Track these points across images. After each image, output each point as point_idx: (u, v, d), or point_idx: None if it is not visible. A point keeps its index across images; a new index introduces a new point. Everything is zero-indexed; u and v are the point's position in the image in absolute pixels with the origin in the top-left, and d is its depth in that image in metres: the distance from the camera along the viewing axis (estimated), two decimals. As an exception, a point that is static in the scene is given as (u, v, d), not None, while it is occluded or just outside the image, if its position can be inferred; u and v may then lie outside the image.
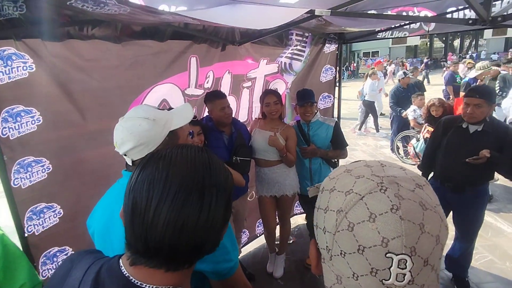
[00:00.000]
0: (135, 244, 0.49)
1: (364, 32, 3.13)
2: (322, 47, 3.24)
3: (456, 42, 35.06)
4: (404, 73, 5.72)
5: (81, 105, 1.74)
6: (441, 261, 0.47)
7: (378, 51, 30.81)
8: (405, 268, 0.39)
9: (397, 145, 5.67)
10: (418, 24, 2.81)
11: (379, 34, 3.05)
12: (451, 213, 2.41)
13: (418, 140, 4.62)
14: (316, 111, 2.53)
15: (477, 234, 2.36)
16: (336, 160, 2.74)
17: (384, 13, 1.91)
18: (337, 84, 3.55)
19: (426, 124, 4.48)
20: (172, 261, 0.50)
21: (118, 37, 1.78)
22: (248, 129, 2.60)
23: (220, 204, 0.50)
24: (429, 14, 2.56)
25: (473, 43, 33.08)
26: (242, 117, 2.82)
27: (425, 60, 22.80)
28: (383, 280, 0.41)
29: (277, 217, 2.72)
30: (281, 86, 3.10)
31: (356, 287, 0.43)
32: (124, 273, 0.51)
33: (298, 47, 3.02)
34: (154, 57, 2.02)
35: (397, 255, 0.39)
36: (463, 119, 2.19)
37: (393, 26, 2.88)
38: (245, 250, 2.98)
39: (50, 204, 1.74)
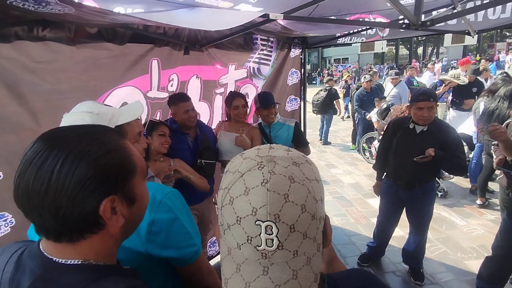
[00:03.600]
0: (32, 219, 0.55)
1: (325, 38, 3.27)
2: (288, 51, 3.35)
3: (420, 50, 37.12)
4: (365, 77, 6.02)
5: (32, 108, 1.67)
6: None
7: (348, 58, 31.91)
8: (272, 233, 0.44)
9: (363, 146, 5.91)
10: (374, 30, 2.99)
11: (339, 39, 3.20)
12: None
13: (379, 141, 4.84)
14: (276, 112, 2.60)
15: (428, 227, 2.52)
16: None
17: (334, 18, 2.01)
18: (304, 87, 3.67)
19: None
20: (54, 231, 0.54)
21: (72, 39, 1.74)
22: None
23: (67, 170, 0.52)
24: (384, 20, 2.73)
25: (435, 50, 35.16)
26: (216, 124, 2.83)
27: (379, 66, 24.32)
28: (257, 246, 0.45)
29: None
30: (251, 91, 3.15)
31: (240, 256, 0.48)
32: (41, 251, 0.57)
33: (265, 52, 3.10)
34: (113, 60, 1.99)
35: (263, 222, 0.44)
36: (409, 121, 2.33)
37: (351, 31, 3.04)
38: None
39: (1, 213, 1.66)
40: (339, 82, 11.06)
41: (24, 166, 0.53)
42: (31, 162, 0.52)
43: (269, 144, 0.56)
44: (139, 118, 1.55)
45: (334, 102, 7.06)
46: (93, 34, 1.86)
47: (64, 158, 0.52)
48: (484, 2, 2.14)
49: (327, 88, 6.97)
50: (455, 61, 25.90)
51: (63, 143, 0.54)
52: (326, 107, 6.92)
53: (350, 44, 3.23)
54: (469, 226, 3.43)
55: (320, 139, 7.58)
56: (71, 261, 0.55)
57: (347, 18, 2.60)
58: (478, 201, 3.87)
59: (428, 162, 2.19)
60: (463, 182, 4.51)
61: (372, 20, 2.72)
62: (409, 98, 6.12)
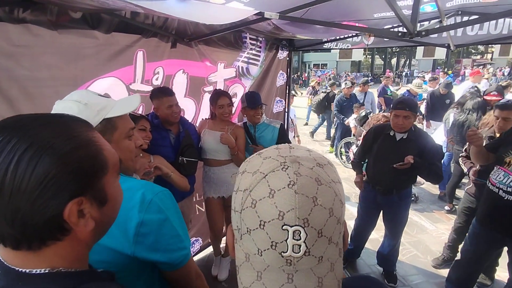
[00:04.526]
0: None
1: (312, 41, 3.32)
2: (276, 53, 3.36)
3: (394, 61, 38.82)
4: (346, 83, 6.18)
5: (8, 95, 1.54)
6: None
7: (326, 64, 32.70)
8: (300, 239, 0.42)
9: (340, 151, 6.05)
10: (359, 38, 3.07)
11: (325, 44, 3.25)
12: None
13: (357, 146, 4.98)
14: (263, 113, 2.59)
15: (402, 232, 2.62)
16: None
17: (327, 21, 2.04)
18: (288, 90, 3.70)
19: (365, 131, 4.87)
20: (11, 238, 0.47)
21: (54, 23, 1.63)
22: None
23: (25, 168, 0.44)
24: (369, 31, 2.81)
25: (407, 62, 36.90)
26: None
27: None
28: (282, 253, 0.43)
29: (224, 219, 2.70)
30: (239, 91, 3.12)
31: (260, 262, 0.45)
32: (2, 260, 0.49)
33: (253, 52, 3.08)
34: (96, 49, 1.89)
35: (291, 226, 0.41)
36: (390, 128, 2.40)
37: (338, 37, 3.11)
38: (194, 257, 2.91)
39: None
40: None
41: None
42: None
43: (287, 144, 0.53)
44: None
45: (331, 104, 7.74)
46: (76, 19, 1.75)
47: (22, 153, 0.44)
48: (464, 18, 2.26)
49: (327, 91, 7.73)
50: (425, 73, 27.38)
51: (21, 135, 0.45)
52: (323, 107, 7.60)
53: (329, 50, 3.31)
54: (438, 231, 3.61)
55: (312, 136, 8.58)
56: (36, 271, 0.48)
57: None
58: (446, 207, 4.08)
59: (407, 169, 2.27)
60: (433, 188, 4.75)
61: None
62: (381, 106, 6.48)
